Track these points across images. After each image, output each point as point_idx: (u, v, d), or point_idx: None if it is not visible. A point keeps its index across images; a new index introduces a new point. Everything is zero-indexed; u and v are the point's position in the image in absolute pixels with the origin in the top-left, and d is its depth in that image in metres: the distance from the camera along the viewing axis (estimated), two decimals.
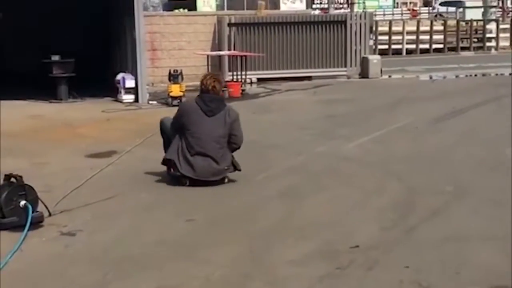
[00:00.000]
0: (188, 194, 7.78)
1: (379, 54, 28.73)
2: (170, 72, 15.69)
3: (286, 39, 20.52)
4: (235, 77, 18.36)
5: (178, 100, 15.20)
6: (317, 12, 51.29)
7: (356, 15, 21.82)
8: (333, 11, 40.64)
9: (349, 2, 45.20)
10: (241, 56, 18.63)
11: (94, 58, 18.35)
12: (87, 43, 18.81)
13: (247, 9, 23.48)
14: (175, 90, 15.40)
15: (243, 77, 18.20)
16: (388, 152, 9.90)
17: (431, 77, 21.35)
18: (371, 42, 21.91)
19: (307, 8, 60.71)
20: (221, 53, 18.62)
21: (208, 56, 18.25)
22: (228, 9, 24.47)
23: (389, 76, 21.47)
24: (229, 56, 19.17)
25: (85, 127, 12.78)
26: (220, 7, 25.39)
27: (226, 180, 8.07)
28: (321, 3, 57.97)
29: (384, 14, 51.13)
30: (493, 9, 31.51)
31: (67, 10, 18.73)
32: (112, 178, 8.56)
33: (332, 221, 6.69)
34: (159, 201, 7.57)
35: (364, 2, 44.89)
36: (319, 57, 20.80)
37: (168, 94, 15.50)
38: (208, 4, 71.94)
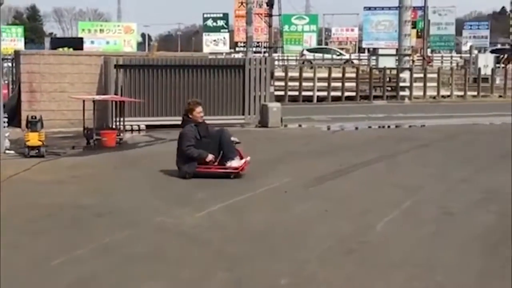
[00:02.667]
0: None
1: (289, 101, 27.67)
2: (27, 118, 13.89)
3: (180, 84, 18.97)
4: (116, 124, 16.71)
5: (36, 151, 13.43)
6: (240, 55, 50.27)
7: (255, 60, 20.42)
8: (250, 55, 39.42)
9: (269, 46, 44.18)
10: (121, 102, 16.98)
11: None
12: None
13: (181, 50, 21.93)
14: (33, 139, 13.56)
15: (122, 124, 16.54)
16: (236, 226, 8.31)
17: (342, 127, 20.01)
18: (272, 89, 20.48)
19: (230, 49, 59.65)
20: (96, 97, 16.88)
21: (83, 100, 16.48)
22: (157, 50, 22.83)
23: (298, 126, 20.06)
24: (111, 100, 17.51)
25: None
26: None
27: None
28: (244, 46, 57.01)
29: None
30: (407, 58, 30.54)
31: None
32: None
33: None
34: None
35: (282, 47, 43.79)
36: (216, 104, 19.27)
37: (25, 144, 13.68)
38: (129, 44, 70.33)
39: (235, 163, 11.21)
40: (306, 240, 7.70)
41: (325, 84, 29.11)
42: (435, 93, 30.22)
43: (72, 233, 7.85)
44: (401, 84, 29.42)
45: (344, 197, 10.10)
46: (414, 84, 29.73)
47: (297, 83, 28.82)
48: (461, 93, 30.40)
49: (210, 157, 11.13)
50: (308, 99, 28.90)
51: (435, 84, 30.26)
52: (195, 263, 6.83)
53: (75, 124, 18.01)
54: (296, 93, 28.68)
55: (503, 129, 18.98)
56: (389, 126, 20.61)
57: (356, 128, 20.11)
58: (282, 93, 27.39)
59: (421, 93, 29.84)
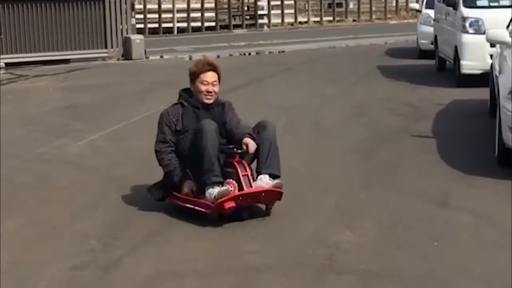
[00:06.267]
0: None
1: (149, 33, 27.40)
2: None
3: (38, 18, 18.37)
4: None
5: None
6: None
7: None
8: None
9: None
10: None
11: None
12: None
13: None
14: None
15: None
16: (119, 152, 8.38)
17: (204, 57, 20.05)
18: (134, 21, 20.28)
19: None
20: None
21: None
22: None
23: (160, 57, 19.95)
24: None
25: None
26: None
27: None
28: None
29: None
30: None
31: None
32: None
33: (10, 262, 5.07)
34: None
35: None
36: (77, 38, 18.85)
37: None
38: None
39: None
40: None
41: (185, 15, 28.98)
42: (292, 20, 30.72)
43: None
44: (260, 12, 29.72)
45: None
46: (272, 12, 30.09)
47: (156, 15, 28.56)
48: (318, 18, 31.05)
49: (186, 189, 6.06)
50: (168, 31, 28.73)
51: (292, 11, 30.73)
52: (84, 188, 6.88)
53: None
54: (156, 25, 28.43)
55: (359, 51, 19.70)
56: (250, 53, 20.89)
57: (218, 57, 20.29)
58: (142, 26, 27.08)
59: (279, 21, 30.25)
